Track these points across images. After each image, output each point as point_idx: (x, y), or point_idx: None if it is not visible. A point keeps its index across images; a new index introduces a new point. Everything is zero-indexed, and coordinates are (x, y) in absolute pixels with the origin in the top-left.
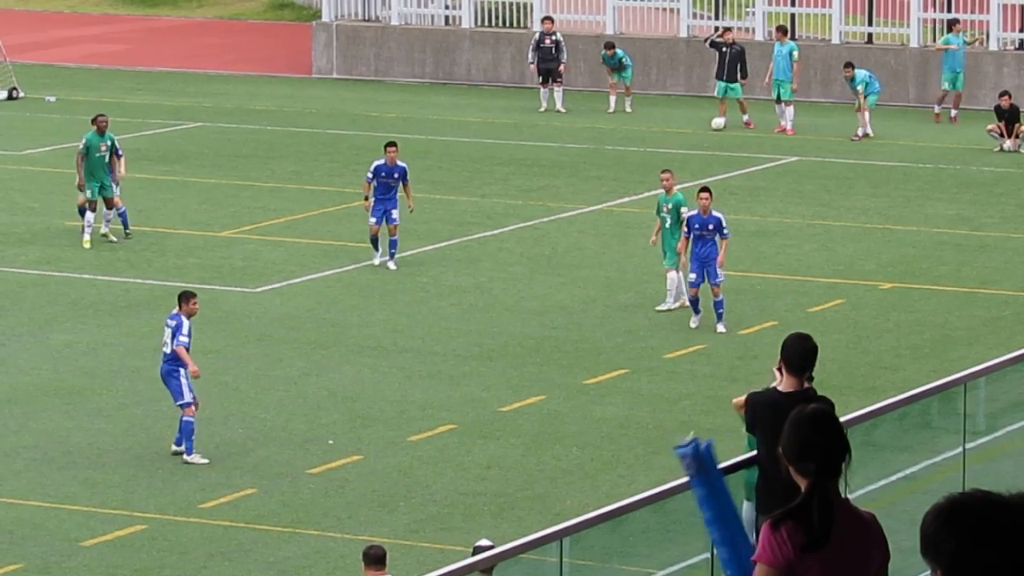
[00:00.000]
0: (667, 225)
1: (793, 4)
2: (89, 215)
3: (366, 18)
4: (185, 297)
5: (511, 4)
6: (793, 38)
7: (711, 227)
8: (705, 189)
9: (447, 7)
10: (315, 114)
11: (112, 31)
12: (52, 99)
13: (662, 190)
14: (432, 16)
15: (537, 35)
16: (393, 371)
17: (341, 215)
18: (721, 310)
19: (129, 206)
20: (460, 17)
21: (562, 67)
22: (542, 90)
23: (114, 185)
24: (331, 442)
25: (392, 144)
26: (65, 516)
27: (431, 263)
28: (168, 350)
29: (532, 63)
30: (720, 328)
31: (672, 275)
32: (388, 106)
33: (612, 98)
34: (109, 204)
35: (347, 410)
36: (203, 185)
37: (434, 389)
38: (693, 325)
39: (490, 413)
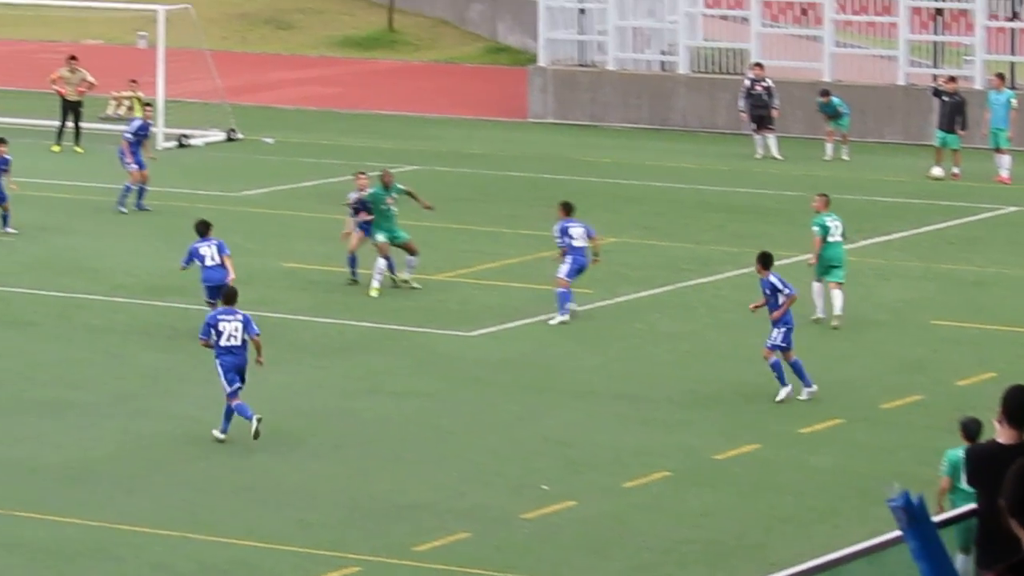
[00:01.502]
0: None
1: (1012, 52)
2: (381, 262)
3: (582, 63)
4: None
5: (727, 50)
6: (1012, 86)
7: (767, 291)
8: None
9: (663, 53)
10: (530, 158)
11: (329, 74)
12: (270, 141)
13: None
14: (648, 62)
15: (748, 82)
16: (607, 417)
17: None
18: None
19: (343, 248)
20: (676, 63)
21: (775, 113)
22: (756, 137)
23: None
24: (545, 487)
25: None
26: (279, 557)
27: (646, 309)
28: (238, 343)
29: (743, 110)
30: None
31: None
32: (603, 151)
33: (828, 146)
34: (411, 249)
35: (561, 455)
36: (419, 228)
37: (648, 435)
38: (779, 399)
39: (704, 461)
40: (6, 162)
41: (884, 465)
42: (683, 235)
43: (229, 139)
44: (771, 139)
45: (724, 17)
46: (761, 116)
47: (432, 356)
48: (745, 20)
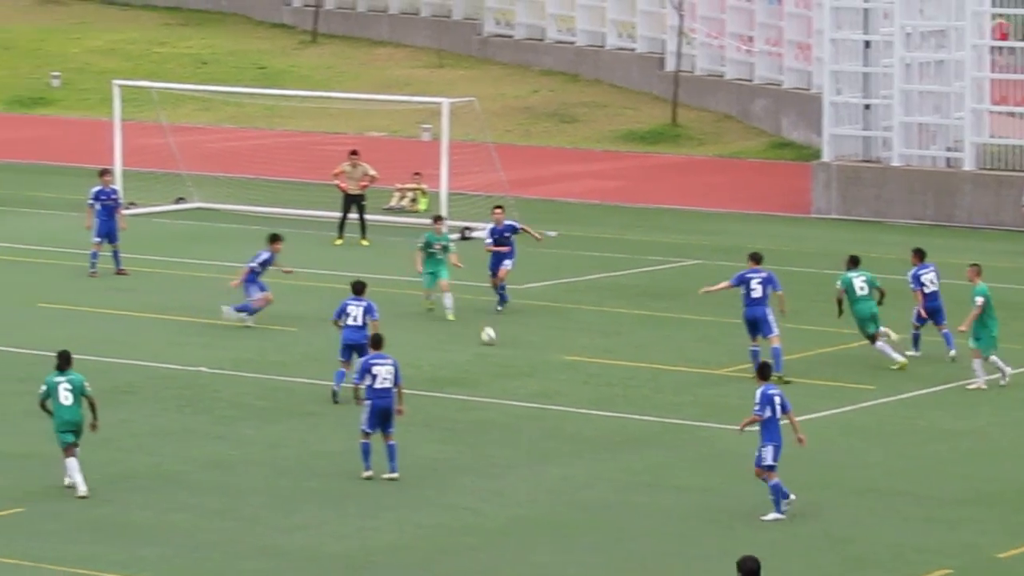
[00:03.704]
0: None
1: None
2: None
3: (866, 159)
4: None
5: (1014, 147)
6: None
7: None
8: (499, 206)
9: (949, 149)
10: (813, 254)
11: (613, 167)
12: (552, 234)
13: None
14: (933, 158)
15: None
16: (889, 513)
17: (839, 356)
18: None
19: (626, 342)
20: (962, 159)
21: None
22: None
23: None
24: None
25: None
26: None
27: (928, 406)
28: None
29: (1023, 207)
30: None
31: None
32: (887, 247)
33: None
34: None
35: (842, 552)
36: (700, 322)
37: (930, 533)
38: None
39: (987, 559)
40: (271, 259)
41: None
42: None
43: (514, 232)
44: None
45: (1011, 114)
46: None
47: (712, 451)
48: None
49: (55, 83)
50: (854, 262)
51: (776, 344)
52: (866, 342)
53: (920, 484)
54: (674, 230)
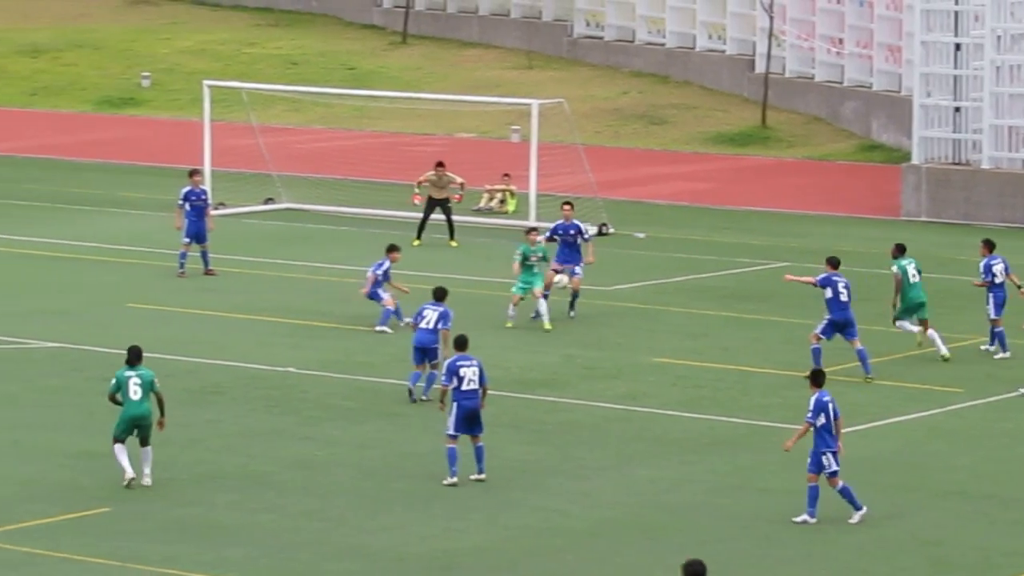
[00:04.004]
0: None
1: None
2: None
3: (956, 161)
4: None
5: None
6: None
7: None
8: (568, 202)
9: None
10: None
11: (702, 169)
12: (641, 236)
13: None
14: (1023, 160)
15: None
16: (977, 517)
17: (926, 358)
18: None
19: (714, 344)
20: None
21: None
22: None
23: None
24: None
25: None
26: None
27: (1016, 409)
28: (476, 387)
29: None
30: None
31: None
32: (976, 250)
33: None
34: (925, 325)
35: (928, 554)
36: (788, 325)
37: (1019, 536)
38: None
39: None
40: (387, 273)
41: None
42: None
43: (601, 233)
44: None
45: None
46: None
47: (800, 453)
48: None
49: (145, 83)
50: (901, 250)
51: (860, 345)
52: (954, 344)
53: (1007, 487)
54: (763, 232)
